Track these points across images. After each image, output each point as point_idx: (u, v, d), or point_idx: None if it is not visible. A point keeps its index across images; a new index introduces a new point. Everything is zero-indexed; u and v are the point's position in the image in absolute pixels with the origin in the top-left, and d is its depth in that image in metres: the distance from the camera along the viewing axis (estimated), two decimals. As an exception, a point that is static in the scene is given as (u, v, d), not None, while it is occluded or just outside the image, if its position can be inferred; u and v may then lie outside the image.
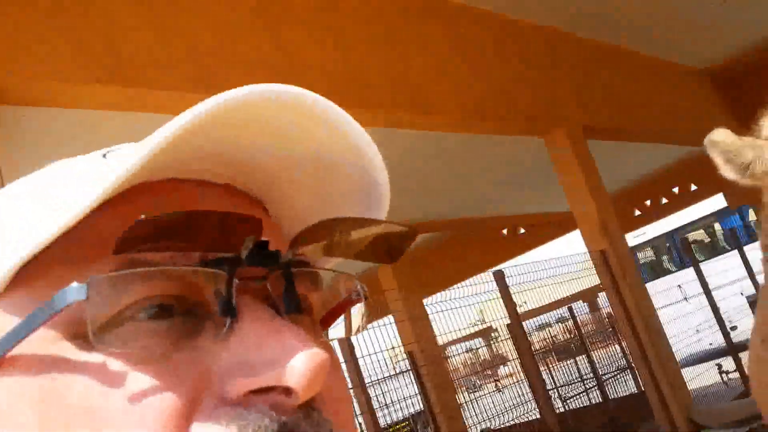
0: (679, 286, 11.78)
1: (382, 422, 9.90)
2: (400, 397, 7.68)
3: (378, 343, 5.78)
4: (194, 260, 0.45)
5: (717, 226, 16.36)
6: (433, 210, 10.50)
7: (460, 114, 5.61)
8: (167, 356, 0.43)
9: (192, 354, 0.43)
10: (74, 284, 0.41)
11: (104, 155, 0.52)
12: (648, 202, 13.93)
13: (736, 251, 10.81)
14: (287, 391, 0.43)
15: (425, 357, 6.57)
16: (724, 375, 9.99)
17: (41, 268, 0.44)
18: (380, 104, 4.97)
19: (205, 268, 0.45)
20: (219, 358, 0.44)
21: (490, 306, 6.79)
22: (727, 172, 1.28)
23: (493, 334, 11.43)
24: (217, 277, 0.45)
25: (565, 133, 6.66)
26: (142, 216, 0.40)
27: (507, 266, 6.31)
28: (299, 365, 0.42)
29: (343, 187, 0.54)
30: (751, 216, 15.19)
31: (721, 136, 1.30)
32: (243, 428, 0.41)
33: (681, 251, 15.46)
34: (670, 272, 16.10)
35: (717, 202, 14.43)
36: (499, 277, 6.10)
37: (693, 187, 13.20)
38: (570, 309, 11.10)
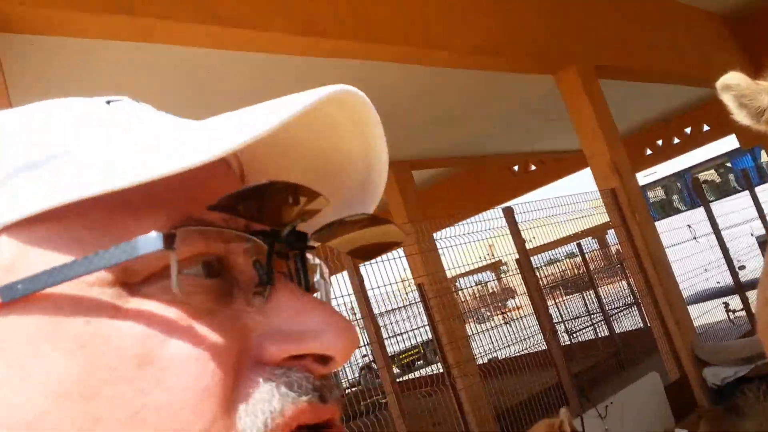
0: (688, 225, 11.79)
1: (393, 350, 10.08)
2: (411, 326, 7.83)
3: (389, 276, 5.86)
4: (242, 227, 0.46)
5: (728, 167, 16.22)
6: (445, 145, 10.47)
7: (468, 50, 5.56)
8: (214, 311, 0.44)
9: (231, 314, 0.45)
10: (153, 233, 0.41)
11: (108, 102, 0.51)
12: (659, 142, 13.85)
13: (747, 192, 10.79)
14: (322, 358, 0.46)
15: (434, 290, 6.65)
16: (730, 313, 10.06)
17: (74, 210, 0.42)
18: (388, 39, 4.93)
19: (252, 236, 0.46)
20: (256, 321, 0.45)
21: (499, 241, 6.84)
22: (740, 117, 1.21)
23: (502, 268, 11.51)
24: (258, 246, 0.46)
25: (577, 71, 6.61)
26: (267, 180, 0.43)
27: (517, 202, 6.35)
28: (342, 337, 0.46)
29: (341, 183, 0.56)
30: (763, 157, 15.10)
31: (735, 80, 1.19)
32: (288, 385, 0.44)
33: (691, 191, 15.43)
34: (680, 211, 16.06)
35: (729, 142, 14.32)
36: (509, 213, 6.13)
37: (705, 128, 13.10)
38: (579, 245, 11.15)
